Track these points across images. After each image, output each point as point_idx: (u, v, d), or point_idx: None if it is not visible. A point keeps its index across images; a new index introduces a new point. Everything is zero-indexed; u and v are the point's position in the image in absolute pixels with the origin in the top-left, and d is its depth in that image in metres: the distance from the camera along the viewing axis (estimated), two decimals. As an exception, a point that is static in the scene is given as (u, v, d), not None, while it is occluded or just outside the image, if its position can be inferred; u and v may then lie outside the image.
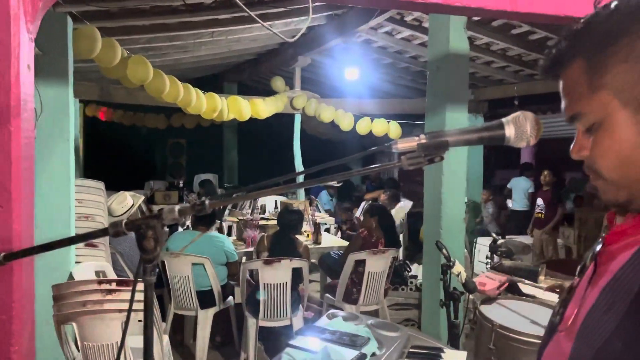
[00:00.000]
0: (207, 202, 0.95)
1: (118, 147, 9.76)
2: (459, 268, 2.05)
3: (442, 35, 3.98)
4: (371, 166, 0.92)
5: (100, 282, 2.51)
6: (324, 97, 7.32)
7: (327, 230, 6.44)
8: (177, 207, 0.96)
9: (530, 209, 7.21)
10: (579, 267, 0.89)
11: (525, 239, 6.60)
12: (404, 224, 5.59)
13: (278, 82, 7.00)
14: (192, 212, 0.96)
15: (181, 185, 8.65)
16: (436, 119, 4.04)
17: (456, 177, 3.94)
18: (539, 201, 6.67)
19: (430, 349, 1.44)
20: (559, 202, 6.63)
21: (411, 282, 4.60)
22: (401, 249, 5.71)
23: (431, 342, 1.51)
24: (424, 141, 0.86)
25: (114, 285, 2.52)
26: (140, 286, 2.45)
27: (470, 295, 2.17)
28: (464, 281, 2.05)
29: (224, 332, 4.33)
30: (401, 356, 1.35)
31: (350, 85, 7.38)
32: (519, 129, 0.84)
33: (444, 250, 2.08)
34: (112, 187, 4.68)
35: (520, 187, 7.56)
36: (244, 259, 4.71)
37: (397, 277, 4.56)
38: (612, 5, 0.74)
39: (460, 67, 4.03)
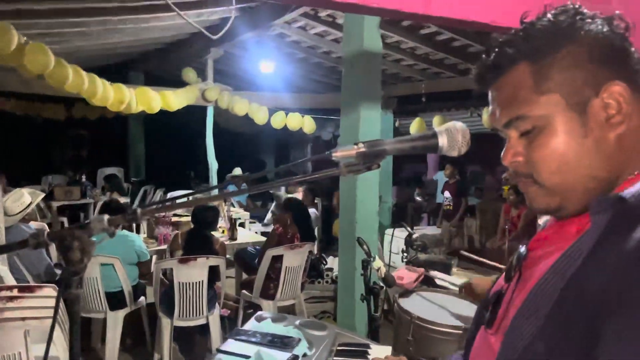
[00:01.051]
0: (139, 210, 0.91)
1: (9, 139, 8.97)
2: (378, 263, 2.12)
3: (356, 33, 4.06)
4: (314, 173, 0.92)
5: (-1, 290, 2.31)
6: (238, 90, 7.21)
7: (242, 225, 6.38)
8: (106, 217, 0.91)
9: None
10: (504, 273, 0.94)
11: (434, 231, 6.97)
12: (318, 217, 5.67)
13: (189, 74, 6.78)
14: (123, 221, 0.92)
15: (83, 179, 8.14)
16: (351, 115, 4.12)
17: (370, 171, 4.04)
18: (446, 194, 7.04)
19: (357, 346, 1.48)
20: (462, 195, 7.04)
21: (327, 275, 4.68)
22: (316, 242, 5.79)
23: (357, 339, 1.55)
24: (362, 150, 0.88)
25: (15, 292, 2.33)
26: (49, 291, 2.29)
27: (388, 289, 2.27)
28: (383, 276, 2.12)
29: (135, 333, 4.16)
30: (330, 354, 1.38)
31: (265, 78, 7.33)
32: (451, 138, 0.88)
33: (364, 246, 2.14)
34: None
35: (442, 181, 7.93)
36: (154, 258, 4.55)
37: (313, 270, 4.63)
38: (550, 16, 0.77)
39: (374, 65, 4.14)
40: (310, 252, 4.32)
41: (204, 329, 3.85)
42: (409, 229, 2.53)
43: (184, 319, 3.64)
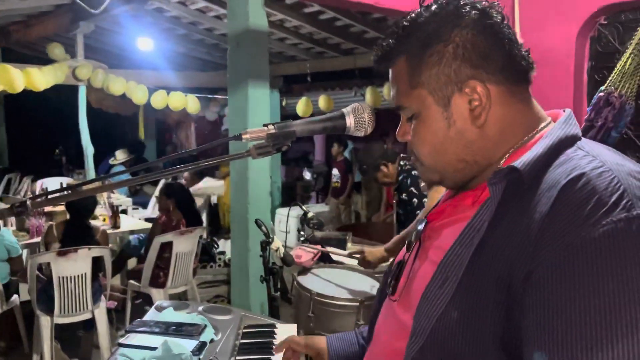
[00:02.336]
0: (28, 202, 0.81)
1: None
2: (277, 244, 2.13)
3: (241, 11, 3.97)
4: (223, 156, 0.89)
5: None
6: (113, 67, 6.74)
7: (125, 212, 6.03)
8: (-14, 210, 0.81)
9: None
10: (406, 243, 0.99)
11: (322, 208, 7.13)
12: (207, 200, 5.53)
13: (56, 50, 6.19)
14: (10, 214, 0.82)
15: None
16: (238, 95, 4.05)
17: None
18: (335, 171, 7.22)
19: (263, 327, 1.48)
20: (349, 172, 7.27)
21: (219, 259, 4.61)
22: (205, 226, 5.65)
23: (263, 320, 1.55)
24: (273, 131, 0.87)
25: None
26: None
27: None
28: (282, 256, 2.14)
29: (9, 335, 3.80)
30: (237, 338, 1.37)
31: (143, 55, 6.92)
32: (358, 118, 0.91)
33: (263, 228, 2.13)
34: None
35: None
36: (26, 252, 4.17)
37: (205, 254, 4.53)
38: (432, 8, 0.82)
39: (260, 43, 4.09)
40: (201, 236, 4.21)
41: (89, 324, 3.62)
42: (303, 207, 2.56)
43: (65, 315, 3.38)
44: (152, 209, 6.42)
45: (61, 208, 4.50)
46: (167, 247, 3.90)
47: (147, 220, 5.57)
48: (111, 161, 6.93)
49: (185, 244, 3.98)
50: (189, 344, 1.20)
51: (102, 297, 3.64)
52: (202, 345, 1.22)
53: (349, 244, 2.77)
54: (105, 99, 7.88)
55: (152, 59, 7.10)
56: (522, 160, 0.73)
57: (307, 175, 8.62)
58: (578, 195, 0.63)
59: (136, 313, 4.21)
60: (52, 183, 6.29)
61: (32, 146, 9.07)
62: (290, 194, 8.40)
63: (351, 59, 6.85)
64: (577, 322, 0.58)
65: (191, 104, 6.86)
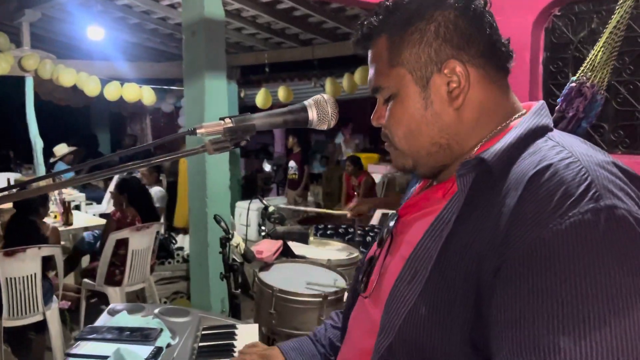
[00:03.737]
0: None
1: None
2: (237, 239, 2.07)
3: (196, -1, 3.86)
4: (177, 152, 0.83)
5: None
6: (63, 57, 6.46)
7: (78, 207, 5.81)
8: None
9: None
10: (377, 239, 0.96)
11: (282, 200, 7.08)
12: (165, 195, 5.38)
13: (0, 39, 5.88)
14: None
15: None
16: (195, 86, 3.94)
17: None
18: (291, 163, 7.17)
19: (223, 327, 1.42)
20: (306, 163, 7.24)
21: (178, 255, 4.50)
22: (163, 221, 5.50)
23: (222, 321, 1.49)
24: (230, 125, 0.82)
25: None
26: None
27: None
28: (243, 252, 2.08)
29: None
30: (195, 340, 1.31)
31: (95, 46, 6.66)
32: (321, 111, 0.86)
33: (222, 224, 2.07)
34: None
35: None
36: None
37: (163, 250, 4.41)
38: None
39: (217, 33, 3.98)
40: (158, 232, 4.09)
41: (41, 326, 3.46)
42: (264, 201, 2.50)
43: (15, 318, 3.22)
44: (107, 205, 6.21)
45: (8, 205, 4.28)
46: (122, 243, 3.76)
47: (102, 216, 5.37)
48: (51, 160, 6.57)
49: (141, 240, 3.86)
50: (144, 351, 1.13)
51: (54, 297, 3.49)
52: (158, 351, 1.15)
53: (311, 238, 2.73)
54: (55, 90, 7.55)
55: (104, 49, 6.84)
56: (491, 150, 0.72)
57: (267, 167, 8.54)
58: (545, 187, 0.62)
59: (91, 313, 4.07)
60: (0, 179, 6.00)
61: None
62: (251, 187, 8.30)
63: (310, 50, 6.79)
64: (545, 316, 0.56)
65: (146, 95, 6.65)
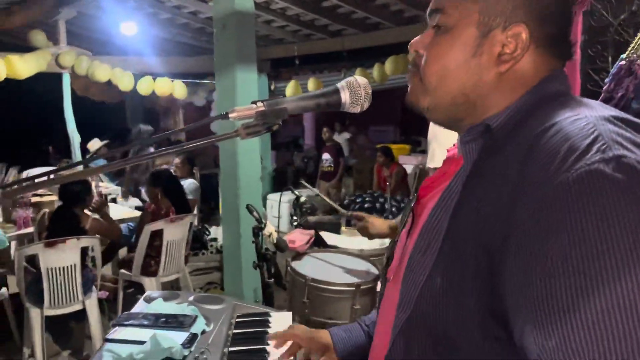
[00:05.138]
0: (16, 185, 0.75)
1: None
2: (270, 229, 2.08)
3: (226, -8, 3.87)
4: (209, 137, 0.83)
5: None
6: (98, 54, 6.60)
7: (114, 200, 5.94)
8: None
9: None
10: (400, 222, 0.96)
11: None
12: (198, 188, 5.46)
13: (38, 37, 6.05)
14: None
15: None
16: (226, 79, 3.97)
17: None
18: (326, 155, 7.16)
19: (257, 315, 1.43)
20: (341, 155, 7.22)
21: (211, 246, 4.56)
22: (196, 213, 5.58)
23: (256, 309, 1.50)
24: (262, 109, 0.82)
25: None
26: None
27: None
28: (275, 241, 2.09)
29: (-1, 329, 3.74)
30: (230, 328, 1.32)
31: (128, 41, 6.77)
32: (354, 93, 0.85)
33: (254, 213, 2.08)
34: None
35: None
36: (14, 244, 4.08)
37: (197, 241, 4.47)
38: None
39: (247, 25, 4.00)
40: (191, 223, 4.15)
41: (80, 315, 3.56)
42: (296, 192, 2.50)
43: (56, 307, 3.32)
44: (143, 197, 6.33)
45: (48, 198, 4.41)
46: (157, 235, 3.83)
47: (138, 208, 5.48)
48: (87, 156, 6.78)
49: (175, 232, 3.92)
50: (179, 337, 1.15)
51: (93, 287, 3.58)
52: (193, 337, 1.17)
53: (343, 228, 2.72)
54: (91, 86, 7.73)
55: (137, 44, 6.95)
56: (497, 116, 0.71)
57: (297, 159, 8.56)
58: (549, 144, 0.59)
59: (128, 302, 4.16)
60: (38, 172, 6.18)
61: (17, 136, 8.90)
62: (282, 179, 8.34)
63: (339, 41, 6.76)
64: (559, 277, 0.53)
65: (178, 89, 6.75)
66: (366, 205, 3.15)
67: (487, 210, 0.63)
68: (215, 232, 4.75)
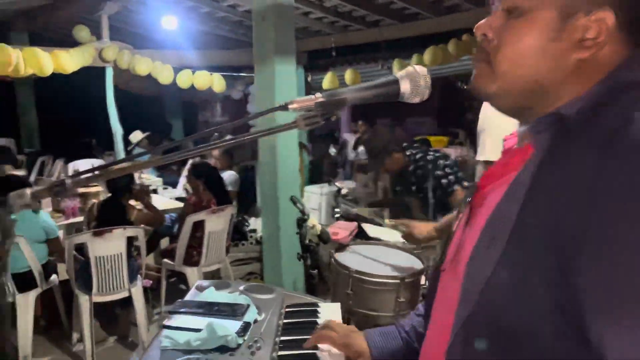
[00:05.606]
0: (68, 181, 0.78)
1: None
2: (313, 221, 2.09)
3: (266, -16, 3.89)
4: (270, 129, 0.84)
5: None
6: (139, 48, 6.73)
7: (155, 191, 6.07)
8: (28, 190, 0.77)
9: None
10: (455, 212, 0.94)
11: (350, 185, 7.07)
12: (237, 180, 5.53)
13: (82, 32, 6.21)
14: (49, 194, 0.79)
15: (-31, 154, 7.30)
16: (265, 71, 3.99)
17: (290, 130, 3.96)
18: (362, 149, 7.14)
19: (306, 305, 1.44)
20: (377, 147, 7.17)
21: (251, 237, 4.61)
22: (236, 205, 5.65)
23: (304, 299, 1.51)
24: (321, 99, 0.82)
25: None
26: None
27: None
28: (319, 232, 2.10)
29: (49, 314, 3.89)
30: (280, 317, 1.33)
31: (168, 36, 6.89)
32: (414, 83, 0.84)
33: (298, 204, 2.09)
34: None
35: None
36: (62, 233, 4.23)
37: (237, 233, 4.54)
38: None
39: (286, 17, 4.01)
40: (232, 214, 4.21)
41: (126, 302, 3.68)
42: (337, 184, 2.50)
43: (103, 294, 3.44)
44: (182, 188, 6.46)
45: (94, 189, 4.55)
46: (199, 226, 3.91)
47: (178, 199, 5.60)
48: (129, 147, 6.96)
49: (217, 223, 3.99)
50: (233, 325, 1.17)
51: (139, 275, 3.68)
52: (246, 326, 1.19)
53: (386, 220, 2.71)
54: (132, 80, 7.90)
55: (177, 38, 7.07)
56: (572, 105, 0.68)
57: (333, 152, 8.56)
58: (631, 139, 0.57)
59: (171, 291, 4.27)
60: (84, 165, 6.38)
61: (62, 129, 9.17)
62: (318, 172, 8.35)
63: (377, 32, 6.70)
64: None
65: (217, 82, 6.83)
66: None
67: (562, 202, 0.61)
68: (254, 223, 4.80)
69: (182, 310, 1.26)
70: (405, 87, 0.83)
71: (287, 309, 1.40)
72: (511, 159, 0.79)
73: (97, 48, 6.15)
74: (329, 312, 1.41)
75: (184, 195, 5.91)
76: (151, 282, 4.19)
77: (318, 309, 1.42)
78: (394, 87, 0.84)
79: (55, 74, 5.42)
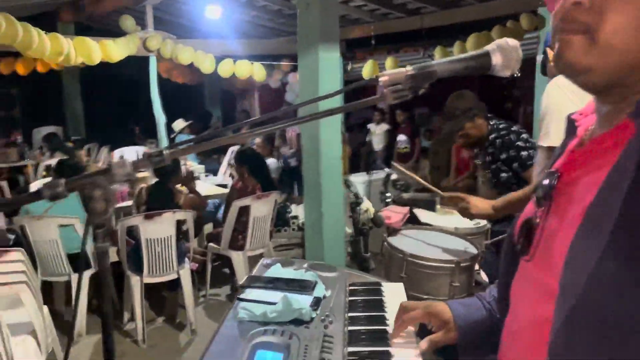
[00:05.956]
0: (165, 152, 0.81)
1: None
2: (367, 205, 2.10)
3: (310, -29, 3.88)
4: (354, 102, 0.85)
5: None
6: (181, 38, 6.84)
7: (197, 178, 6.19)
8: (128, 161, 0.81)
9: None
10: (535, 199, 0.90)
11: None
12: (280, 166, 5.59)
13: (128, 22, 6.35)
14: (148, 164, 0.82)
15: (19, 140, 7.60)
16: (309, 59, 3.99)
17: (332, 116, 3.97)
18: (402, 137, 7.09)
19: (370, 284, 1.46)
20: (417, 136, 7.12)
21: (293, 223, 4.66)
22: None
23: (367, 278, 1.53)
24: (412, 72, 0.82)
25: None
26: (17, 256, 2.13)
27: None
28: (372, 216, 2.11)
29: (100, 294, 4.02)
30: (346, 295, 1.35)
31: (209, 25, 6.98)
32: (506, 56, 0.83)
33: (351, 188, 2.11)
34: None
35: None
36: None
37: (279, 218, 4.59)
38: None
39: (330, 4, 4.00)
40: (276, 200, 4.26)
41: (173, 284, 3.78)
42: (387, 170, 2.50)
43: (153, 276, 3.54)
44: (223, 176, 6.56)
45: (142, 174, 4.66)
46: (244, 211, 3.98)
47: (218, 186, 5.69)
48: (172, 135, 7.11)
49: (262, 208, 4.05)
50: (306, 299, 1.19)
51: (186, 258, 3.77)
52: (317, 301, 1.21)
53: (438, 206, 2.69)
54: (173, 69, 8.04)
55: (217, 28, 7.14)
56: None
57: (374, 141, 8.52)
58: None
59: (215, 275, 4.36)
60: (129, 152, 6.54)
61: (106, 117, 9.43)
62: (355, 161, 8.34)
63: (418, 19, 6.62)
64: None
65: (257, 71, 6.88)
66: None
67: None
68: (295, 210, 4.85)
69: (254, 284, 1.30)
70: (496, 59, 0.83)
71: (350, 287, 1.42)
72: (601, 144, 0.75)
73: (142, 37, 6.28)
74: (393, 291, 1.43)
75: (224, 182, 6.01)
76: (197, 265, 4.29)
77: (382, 288, 1.43)
78: (485, 60, 0.83)
79: (99, 63, 5.57)
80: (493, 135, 2.55)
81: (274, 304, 1.15)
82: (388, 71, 0.82)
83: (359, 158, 8.69)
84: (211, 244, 4.21)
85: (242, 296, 1.22)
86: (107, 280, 0.88)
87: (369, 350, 1.09)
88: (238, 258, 4.01)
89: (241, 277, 4.01)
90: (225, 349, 1.01)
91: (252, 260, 4.29)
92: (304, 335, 1.07)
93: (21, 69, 7.35)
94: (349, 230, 4.42)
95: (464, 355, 1.10)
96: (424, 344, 1.11)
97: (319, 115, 0.87)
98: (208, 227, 5.02)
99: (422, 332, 1.18)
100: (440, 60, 0.85)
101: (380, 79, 0.82)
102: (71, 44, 4.91)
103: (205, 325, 3.78)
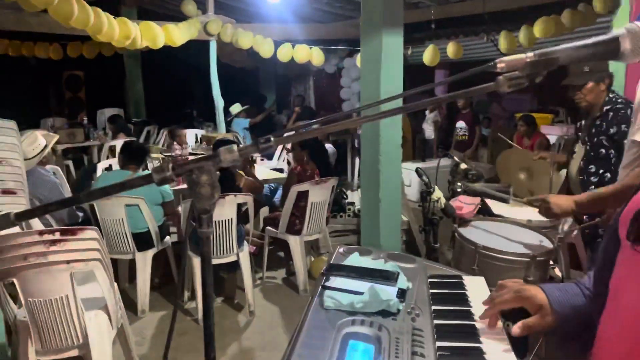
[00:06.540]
0: (272, 138, 0.80)
1: (4, 82, 8.57)
2: (438, 194, 2.05)
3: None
4: (462, 90, 0.81)
5: (41, 233, 2.22)
6: (240, 22, 6.90)
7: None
8: (235, 147, 0.81)
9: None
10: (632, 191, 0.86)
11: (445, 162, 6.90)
12: (335, 152, 5.58)
13: (189, 6, 6.46)
14: (256, 150, 0.82)
15: (84, 121, 7.91)
16: (372, 44, 3.93)
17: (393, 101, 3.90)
18: (461, 124, 6.90)
19: (450, 277, 1.42)
20: (477, 123, 6.92)
21: (349, 209, 4.64)
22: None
23: (446, 270, 1.49)
24: (533, 59, 0.78)
25: (57, 235, 2.25)
26: (91, 234, 2.20)
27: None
28: (443, 206, 2.06)
29: (162, 272, 4.16)
30: (427, 287, 1.32)
31: (267, 10, 7.00)
32: (636, 42, 0.77)
33: (423, 177, 2.06)
34: None
35: None
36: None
37: (335, 204, 4.58)
38: None
39: (395, -14, 3.90)
40: (333, 186, 4.25)
41: (232, 266, 3.84)
42: (456, 158, 2.43)
43: (214, 257, 3.61)
44: (277, 161, 6.61)
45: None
46: (302, 196, 3.99)
47: (274, 170, 5.73)
48: (228, 118, 7.23)
49: (319, 194, 4.05)
50: (391, 291, 1.17)
51: (245, 241, 3.83)
52: (402, 292, 1.19)
53: (511, 198, 2.60)
54: (233, 53, 8.12)
55: (276, 12, 7.15)
56: None
57: (428, 130, 8.37)
58: None
59: (270, 258, 4.42)
60: (188, 134, 6.68)
61: (165, 100, 9.66)
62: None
63: (480, 3, 6.39)
64: None
65: (316, 56, 6.86)
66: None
67: None
68: (351, 196, 4.83)
69: (337, 273, 1.28)
70: (625, 45, 0.77)
71: (430, 279, 1.39)
72: None
73: (202, 22, 6.36)
74: (475, 285, 1.39)
75: (279, 166, 6.06)
76: (254, 248, 4.35)
77: (463, 281, 1.39)
78: (613, 46, 0.78)
79: (160, 48, 5.67)
80: (607, 107, 2.41)
81: (360, 293, 1.13)
82: (506, 57, 0.78)
83: (413, 145, 8.55)
84: (269, 228, 4.25)
85: (326, 284, 1.21)
86: (209, 265, 0.88)
87: (460, 346, 1.06)
88: (295, 242, 4.04)
89: (297, 262, 4.04)
90: (316, 339, 1.00)
91: (307, 246, 4.32)
92: (393, 327, 1.05)
93: (87, 52, 7.61)
94: (405, 218, 4.37)
95: (564, 340, 1.06)
96: (517, 328, 1.06)
97: (425, 104, 0.84)
98: (264, 211, 5.08)
99: (513, 314, 1.14)
100: (564, 46, 0.80)
101: (498, 65, 0.78)
102: (138, 28, 5.03)
103: (262, 307, 3.84)
